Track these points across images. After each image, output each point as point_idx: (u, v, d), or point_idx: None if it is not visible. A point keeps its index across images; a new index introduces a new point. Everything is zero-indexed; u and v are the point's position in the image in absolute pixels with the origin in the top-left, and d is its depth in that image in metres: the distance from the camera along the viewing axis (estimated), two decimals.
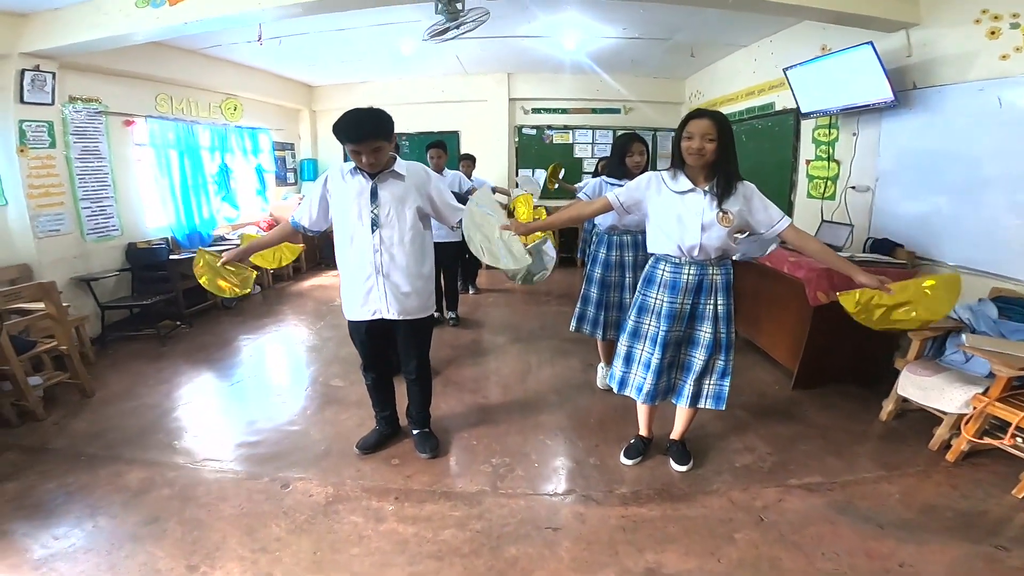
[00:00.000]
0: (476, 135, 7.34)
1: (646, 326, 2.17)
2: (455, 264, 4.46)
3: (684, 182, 2.01)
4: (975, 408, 2.31)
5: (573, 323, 3.02)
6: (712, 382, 2.18)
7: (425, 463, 2.45)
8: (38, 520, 2.08)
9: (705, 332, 2.12)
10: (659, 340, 2.11)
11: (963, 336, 2.46)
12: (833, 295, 2.81)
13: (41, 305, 3.08)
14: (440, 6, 2.90)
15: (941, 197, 3.18)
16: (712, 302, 2.09)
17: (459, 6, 2.94)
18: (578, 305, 3.00)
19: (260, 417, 2.95)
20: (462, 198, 3.53)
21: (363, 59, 5.98)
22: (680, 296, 2.08)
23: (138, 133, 4.82)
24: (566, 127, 7.40)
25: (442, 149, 4.11)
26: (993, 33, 2.81)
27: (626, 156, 2.75)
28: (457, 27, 3.03)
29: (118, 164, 4.59)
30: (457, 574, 1.79)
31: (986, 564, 1.82)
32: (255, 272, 2.51)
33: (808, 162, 4.41)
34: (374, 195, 2.16)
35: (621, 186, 2.74)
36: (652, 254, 2.17)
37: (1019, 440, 2.19)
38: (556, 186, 5.77)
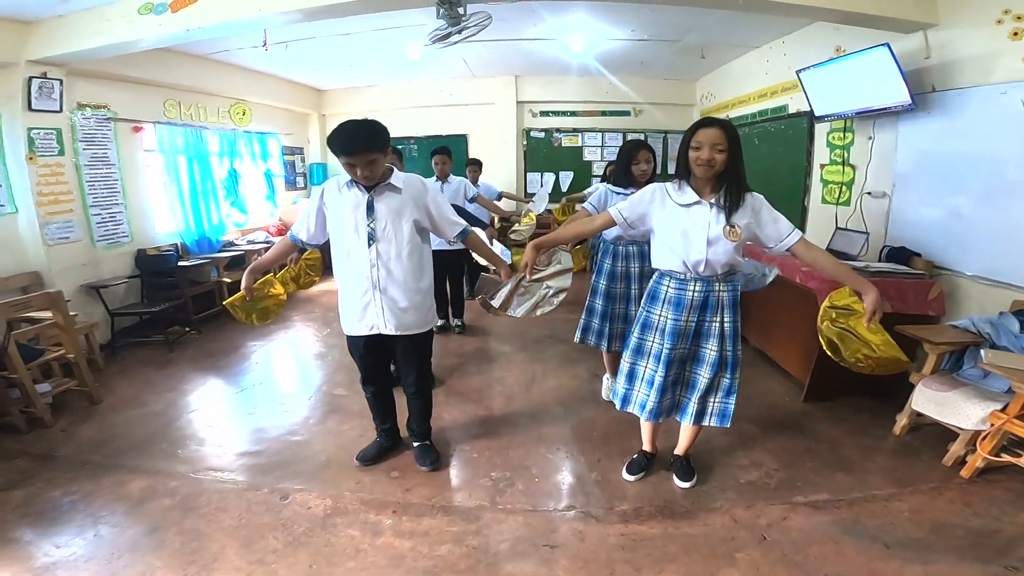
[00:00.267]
0: (484, 138, 7.37)
1: (650, 343, 2.13)
2: (461, 271, 4.47)
3: (690, 194, 1.95)
4: (992, 425, 2.25)
5: (578, 334, 3.00)
6: (717, 400, 2.14)
7: (425, 476, 2.46)
8: (41, 528, 2.13)
9: (711, 350, 2.07)
10: (663, 358, 2.07)
11: (982, 352, 2.39)
12: None
13: (49, 314, 3.14)
14: (442, 11, 2.91)
15: (961, 204, 3.11)
16: (718, 319, 2.04)
17: (460, 11, 2.94)
18: (583, 316, 2.99)
19: (263, 426, 2.98)
20: (463, 215, 3.54)
21: (371, 63, 6.04)
22: (684, 313, 2.03)
23: (147, 139, 4.91)
24: (575, 130, 7.38)
25: (447, 155, 4.11)
26: (1016, 34, 2.75)
27: (632, 164, 2.73)
28: (459, 32, 3.04)
29: (127, 170, 4.68)
30: None
31: None
32: (276, 280, 2.60)
33: (822, 166, 4.34)
34: (370, 208, 2.15)
35: (626, 195, 2.74)
36: (656, 269, 2.13)
37: None
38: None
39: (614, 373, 3.15)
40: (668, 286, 2.06)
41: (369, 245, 2.17)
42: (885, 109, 3.39)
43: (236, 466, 2.58)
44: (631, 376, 2.20)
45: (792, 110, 4.77)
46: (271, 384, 3.63)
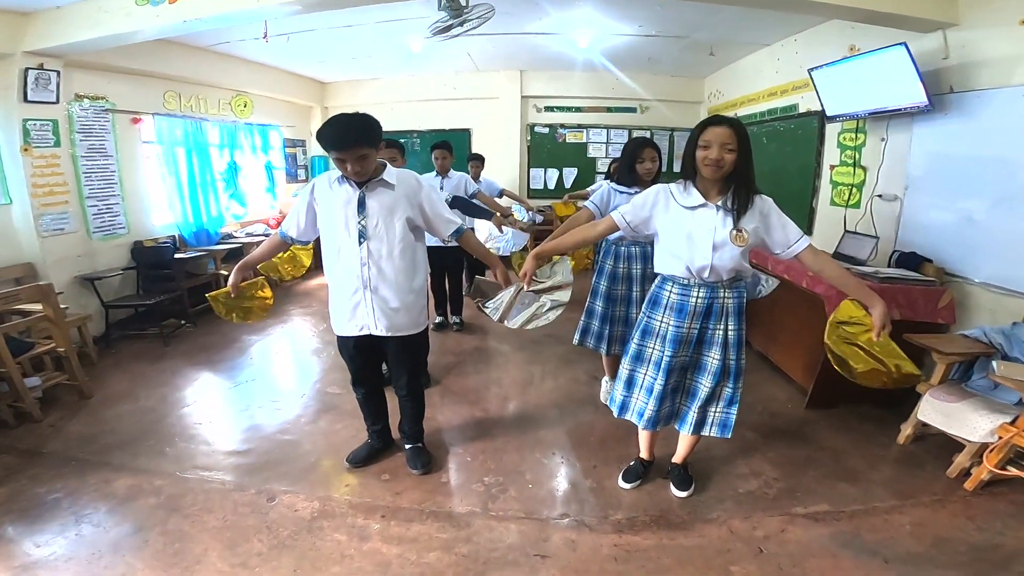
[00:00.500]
0: (487, 133, 7.32)
1: (650, 350, 2.07)
2: (461, 267, 4.43)
3: (695, 196, 1.87)
4: (1000, 438, 2.20)
5: (577, 336, 2.95)
6: (718, 409, 2.08)
7: (416, 480, 2.42)
8: (23, 526, 2.11)
9: (713, 358, 2.00)
10: (663, 365, 2.00)
11: (993, 363, 2.33)
12: None
13: (40, 307, 3.12)
14: (443, 2, 2.85)
15: (975, 209, 3.03)
16: (722, 327, 1.97)
17: (463, 2, 2.88)
18: (582, 318, 2.94)
19: (254, 424, 2.96)
20: (465, 206, 3.48)
21: (373, 56, 6.00)
22: (687, 320, 1.96)
23: (145, 130, 4.88)
24: (580, 126, 7.31)
25: (447, 150, 4.05)
26: None
27: (636, 162, 2.66)
28: (461, 24, 2.98)
29: (125, 162, 4.66)
30: None
31: None
32: (262, 279, 2.53)
33: (832, 167, 4.27)
34: (361, 205, 2.10)
35: (630, 194, 2.68)
36: (659, 274, 2.06)
37: None
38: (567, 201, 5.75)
39: (613, 376, 3.10)
40: (671, 291, 1.99)
41: (360, 243, 2.12)
42: (900, 110, 3.31)
43: (224, 465, 2.56)
44: (630, 383, 2.14)
45: (802, 109, 4.69)
46: (265, 380, 3.60)
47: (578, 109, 7.26)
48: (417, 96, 7.26)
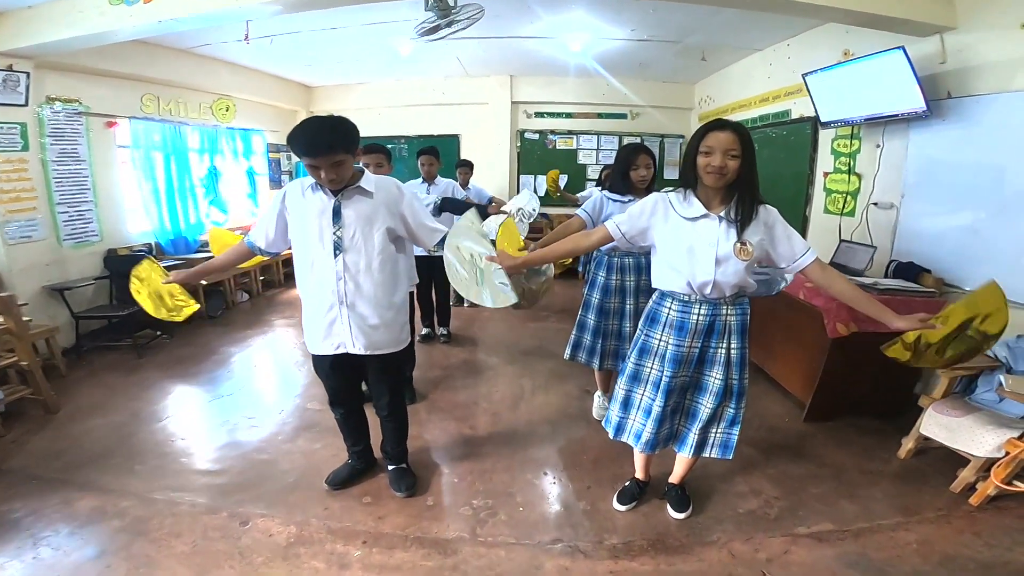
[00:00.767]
0: (477, 139, 7.26)
1: (648, 369, 1.97)
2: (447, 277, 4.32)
3: (696, 206, 1.76)
4: (1008, 453, 2.15)
5: (568, 351, 2.86)
6: (719, 430, 1.99)
7: (400, 502, 2.31)
8: None
9: (715, 378, 1.91)
10: (662, 386, 1.91)
11: (1000, 377, 2.28)
12: (854, 326, 2.66)
13: (0, 319, 2.97)
14: (430, 2, 2.76)
15: (976, 217, 2.99)
16: (724, 345, 1.87)
17: (451, 2, 2.79)
18: (574, 332, 2.84)
19: (228, 442, 2.83)
20: (457, 206, 3.36)
21: (360, 60, 5.92)
22: (688, 339, 1.86)
23: (121, 134, 4.75)
24: (570, 132, 7.28)
25: (434, 156, 3.95)
26: None
27: (630, 169, 2.58)
28: (448, 25, 2.89)
29: (99, 167, 4.51)
30: None
31: None
32: (196, 306, 2.34)
33: (826, 174, 4.23)
34: (337, 215, 1.96)
35: (624, 202, 2.60)
36: (656, 289, 1.95)
37: None
38: (558, 195, 5.63)
39: (606, 391, 3.02)
40: (670, 308, 1.89)
41: (335, 255, 1.98)
42: (897, 116, 3.28)
43: (195, 485, 2.43)
44: (626, 404, 2.04)
45: (795, 115, 4.66)
46: (242, 395, 3.47)
47: (568, 115, 7.23)
48: (405, 101, 7.19)
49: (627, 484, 2.33)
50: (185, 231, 5.36)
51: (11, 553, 1.96)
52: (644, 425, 1.99)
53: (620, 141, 7.19)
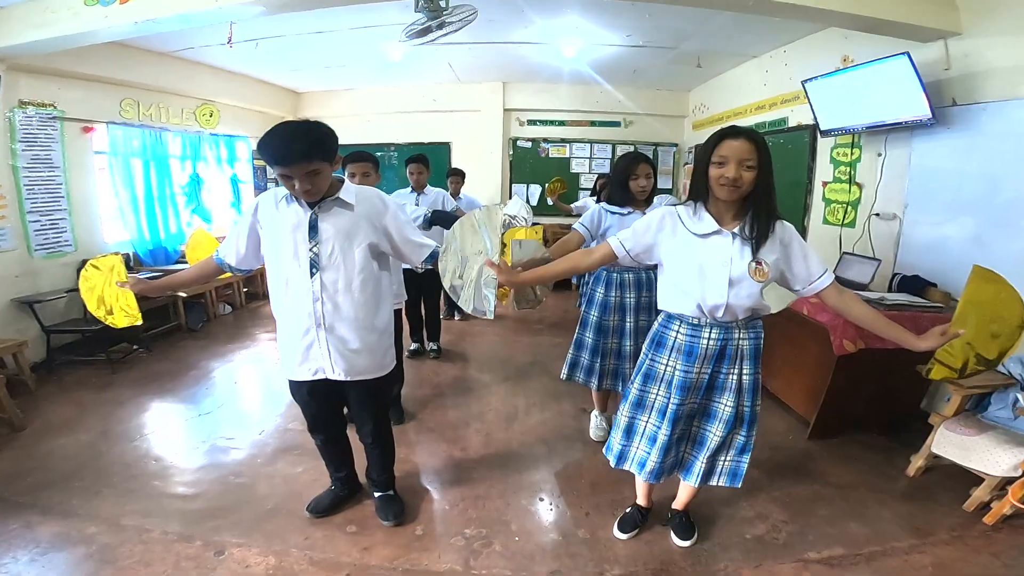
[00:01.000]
0: (469, 147, 7.19)
1: (653, 396, 1.85)
2: (437, 290, 4.21)
3: (708, 221, 1.64)
4: None
5: (565, 371, 2.75)
6: (728, 458, 1.88)
7: (387, 532, 2.18)
8: None
9: (725, 405, 1.79)
10: (668, 413, 1.79)
11: (1017, 395, 2.21)
12: (861, 343, 2.59)
13: None
14: (420, 3, 2.66)
15: (982, 229, 2.93)
16: (736, 371, 1.75)
17: (442, 3, 2.69)
18: (570, 351, 2.73)
19: (204, 464, 2.70)
20: (448, 220, 3.24)
21: (349, 65, 5.84)
22: (697, 364, 1.74)
23: (98, 140, 4.60)
24: (563, 140, 7.24)
25: (423, 164, 3.85)
26: None
27: (630, 179, 2.48)
28: (440, 27, 2.79)
29: (74, 174, 4.36)
30: None
31: None
32: (139, 321, 2.15)
33: (825, 184, 4.19)
34: (313, 229, 1.80)
35: (623, 215, 2.50)
36: (663, 311, 1.83)
37: None
38: (551, 202, 5.56)
39: (603, 410, 2.92)
40: (677, 332, 1.77)
41: (312, 274, 1.82)
42: (900, 124, 3.23)
43: (168, 511, 2.30)
44: (629, 431, 1.93)
45: (792, 123, 4.63)
46: (220, 413, 3.32)
47: (561, 123, 7.19)
48: (395, 108, 7.11)
49: (628, 511, 2.22)
50: (165, 241, 5.22)
51: None
52: (648, 454, 1.88)
53: (613, 149, 7.17)
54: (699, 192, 1.67)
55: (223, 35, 3.84)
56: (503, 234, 1.96)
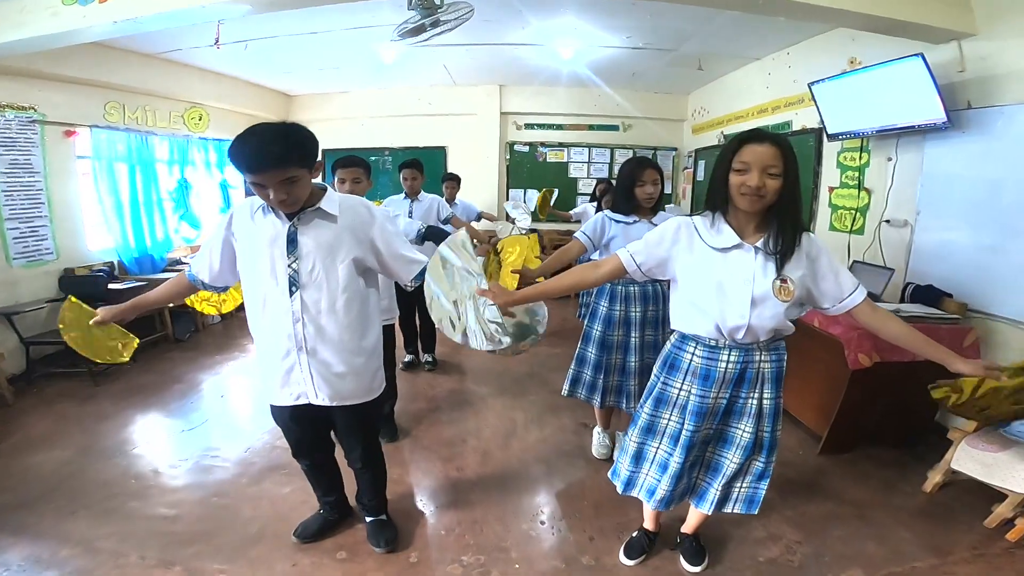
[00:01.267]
0: (465, 151, 7.12)
1: (664, 421, 1.73)
2: None
3: (727, 234, 1.51)
4: None
5: (566, 387, 2.65)
6: (745, 484, 1.76)
7: (379, 559, 2.07)
8: None
9: (744, 431, 1.67)
10: (682, 440, 1.68)
11: None
12: (876, 356, 2.51)
13: None
14: (414, 0, 2.56)
15: (999, 236, 2.84)
16: (756, 395, 1.63)
17: (436, 0, 2.59)
18: (572, 366, 2.62)
19: (186, 483, 2.59)
20: (442, 237, 3.12)
21: (342, 67, 5.77)
22: (715, 389, 1.62)
23: (81, 144, 4.49)
24: (561, 144, 7.18)
25: (417, 169, 3.75)
26: None
27: (636, 186, 2.37)
28: (434, 25, 2.68)
29: (55, 179, 4.25)
30: None
31: None
32: (136, 340, 2.08)
33: (831, 189, 4.12)
34: (292, 243, 1.64)
35: (629, 224, 2.40)
36: (676, 331, 1.71)
37: None
38: (547, 215, 5.47)
39: (606, 427, 2.82)
40: (693, 354, 1.64)
41: (291, 293, 1.66)
42: (911, 127, 3.16)
43: (146, 534, 2.20)
44: (638, 458, 1.81)
45: (797, 127, 4.56)
46: (205, 429, 3.21)
47: (559, 127, 7.13)
48: (390, 111, 7.04)
49: (634, 535, 2.12)
50: (151, 248, 5.10)
51: None
52: (658, 481, 1.76)
53: (612, 154, 7.13)
54: (717, 202, 1.54)
55: (210, 36, 3.75)
56: (495, 245, 1.86)
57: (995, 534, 2.21)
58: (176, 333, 4.86)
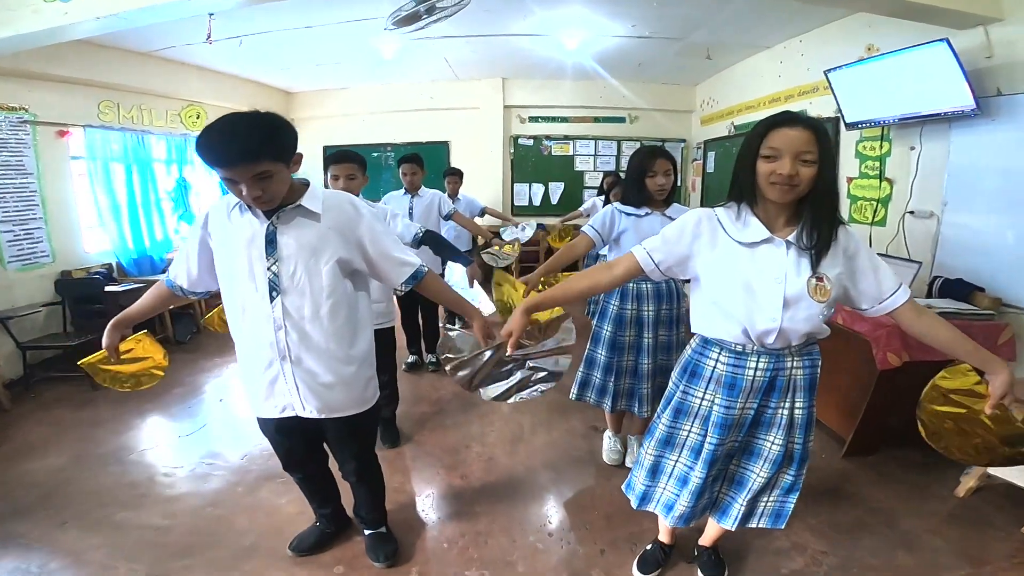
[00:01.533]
0: (468, 146, 7.05)
1: (685, 432, 1.59)
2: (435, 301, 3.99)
3: (755, 227, 1.37)
4: None
5: (574, 390, 2.53)
6: (772, 498, 1.62)
7: (379, 574, 1.99)
8: None
9: (773, 443, 1.53)
10: (704, 453, 1.54)
11: None
12: (906, 355, 2.38)
13: None
14: None
15: None
16: (786, 405, 1.49)
17: None
18: (581, 368, 2.50)
19: (180, 492, 2.53)
20: (441, 244, 2.97)
21: (341, 62, 5.69)
22: (741, 399, 1.48)
23: (75, 144, 4.44)
24: (566, 137, 7.09)
25: (417, 164, 3.65)
26: None
27: (647, 176, 2.24)
28: (429, 12, 2.55)
29: (49, 180, 4.19)
30: None
31: None
32: (157, 348, 2.02)
33: (850, 180, 3.98)
34: (271, 244, 1.52)
35: (640, 216, 2.28)
36: (698, 334, 1.57)
37: None
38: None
39: (617, 431, 2.70)
40: (717, 360, 1.49)
41: (271, 298, 1.54)
42: (936, 115, 3.03)
43: (137, 545, 2.14)
44: (655, 471, 1.68)
45: (812, 116, 4.41)
46: (202, 435, 3.14)
47: (564, 119, 7.04)
48: (391, 107, 6.97)
49: (649, 548, 2.01)
50: (151, 249, 5.04)
51: None
52: (677, 496, 1.63)
53: (619, 146, 7.03)
54: (744, 192, 1.40)
55: (204, 32, 3.67)
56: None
57: None
58: (177, 335, 4.80)
